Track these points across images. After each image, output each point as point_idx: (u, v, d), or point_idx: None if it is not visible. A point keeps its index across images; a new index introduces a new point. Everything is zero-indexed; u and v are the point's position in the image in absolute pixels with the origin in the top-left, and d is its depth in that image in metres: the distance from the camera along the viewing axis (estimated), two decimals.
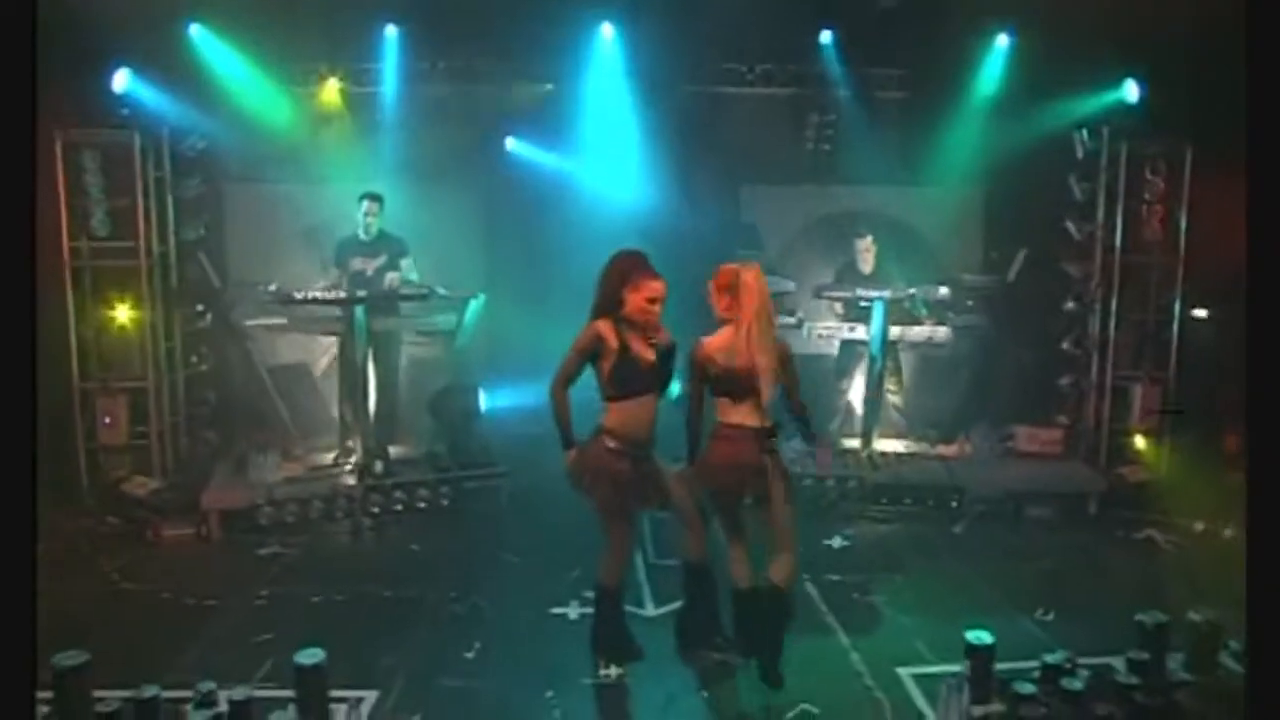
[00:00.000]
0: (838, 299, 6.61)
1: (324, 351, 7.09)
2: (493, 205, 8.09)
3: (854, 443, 6.79)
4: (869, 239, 6.91)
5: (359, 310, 6.03)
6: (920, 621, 4.75)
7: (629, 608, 4.71)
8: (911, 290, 6.29)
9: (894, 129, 8.03)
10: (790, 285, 6.82)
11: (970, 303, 6.82)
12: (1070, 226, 6.84)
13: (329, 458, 6.56)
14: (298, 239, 7.48)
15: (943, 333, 6.43)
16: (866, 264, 6.91)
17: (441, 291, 6.54)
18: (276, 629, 4.63)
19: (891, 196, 7.97)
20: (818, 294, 6.44)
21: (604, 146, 8.08)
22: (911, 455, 6.73)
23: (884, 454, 6.69)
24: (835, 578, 5.34)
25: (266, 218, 7.47)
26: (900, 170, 7.94)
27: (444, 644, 4.52)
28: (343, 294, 6.01)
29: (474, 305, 6.67)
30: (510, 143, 8.12)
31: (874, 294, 6.33)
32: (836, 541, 5.93)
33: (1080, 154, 6.75)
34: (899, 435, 7.09)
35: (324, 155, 7.51)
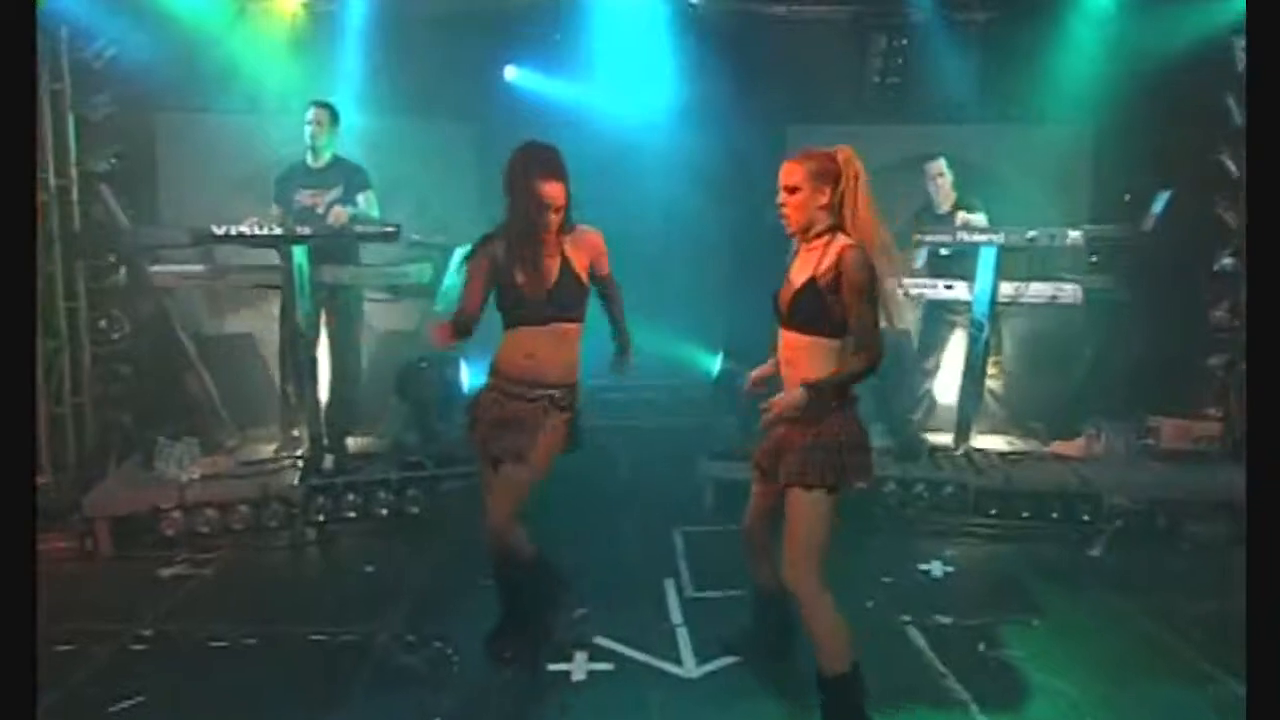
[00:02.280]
0: (931, 243, 5.05)
1: (272, 315, 5.64)
2: (488, 144, 6.67)
3: (944, 438, 5.28)
4: (940, 162, 5.42)
5: (299, 253, 4.58)
6: (1087, 691, 3.28)
7: (657, 661, 3.46)
8: (1030, 233, 4.75)
9: (979, 55, 6.54)
10: None
11: (1094, 259, 5.29)
12: (1227, 161, 5.29)
13: (269, 450, 5.12)
14: (248, 183, 6.05)
15: (1071, 291, 4.89)
16: (943, 197, 5.40)
17: (415, 237, 5.12)
18: (149, 690, 3.21)
19: (975, 137, 6.46)
20: (907, 240, 4.92)
21: (621, 75, 6.68)
22: (1021, 455, 5.20)
23: (984, 453, 5.17)
24: (944, 620, 3.85)
25: (208, 156, 6.04)
26: (987, 106, 6.46)
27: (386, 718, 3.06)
28: (277, 230, 4.54)
29: (459, 256, 5.21)
30: (510, 70, 6.72)
31: (981, 238, 4.80)
32: (935, 568, 4.43)
33: (1241, 66, 5.21)
34: (996, 429, 5.59)
35: (281, 82, 6.09)
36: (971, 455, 5.12)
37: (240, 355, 5.83)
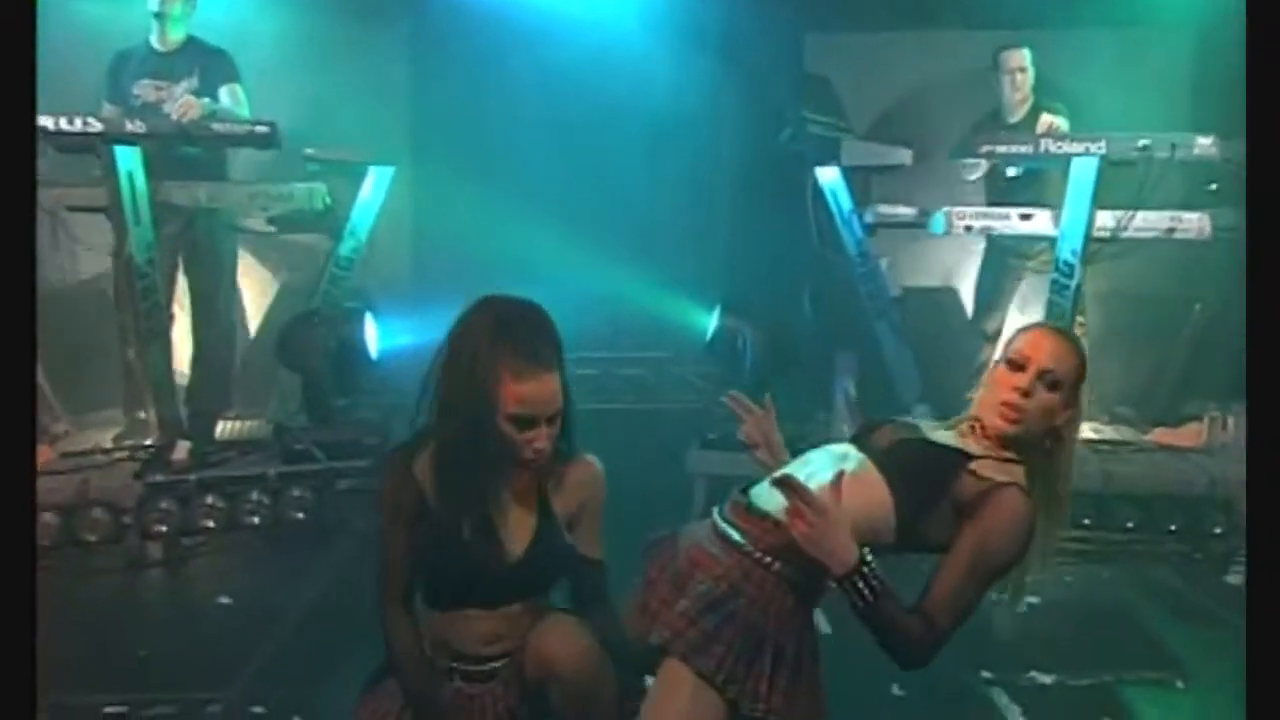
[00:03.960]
0: (1003, 155, 3.98)
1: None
2: (419, 53, 5.77)
3: None
4: (1023, 52, 4.57)
5: (126, 158, 3.51)
6: None
7: None
8: (1142, 141, 3.71)
9: None
10: (904, 155, 4.31)
11: (1213, 185, 4.28)
12: None
13: (108, 438, 4.07)
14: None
15: (1195, 221, 3.89)
16: (1019, 100, 4.47)
17: (308, 150, 4.11)
18: None
19: (1042, 44, 5.41)
20: (967, 153, 3.90)
21: None
22: (1117, 445, 4.20)
23: None
24: (1044, 679, 2.86)
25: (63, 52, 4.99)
26: (1056, 5, 5.45)
27: None
28: (95, 126, 3.46)
29: (375, 180, 4.24)
30: None
31: (1076, 148, 3.76)
32: None
33: None
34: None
35: None
36: None
37: (88, 314, 4.77)
